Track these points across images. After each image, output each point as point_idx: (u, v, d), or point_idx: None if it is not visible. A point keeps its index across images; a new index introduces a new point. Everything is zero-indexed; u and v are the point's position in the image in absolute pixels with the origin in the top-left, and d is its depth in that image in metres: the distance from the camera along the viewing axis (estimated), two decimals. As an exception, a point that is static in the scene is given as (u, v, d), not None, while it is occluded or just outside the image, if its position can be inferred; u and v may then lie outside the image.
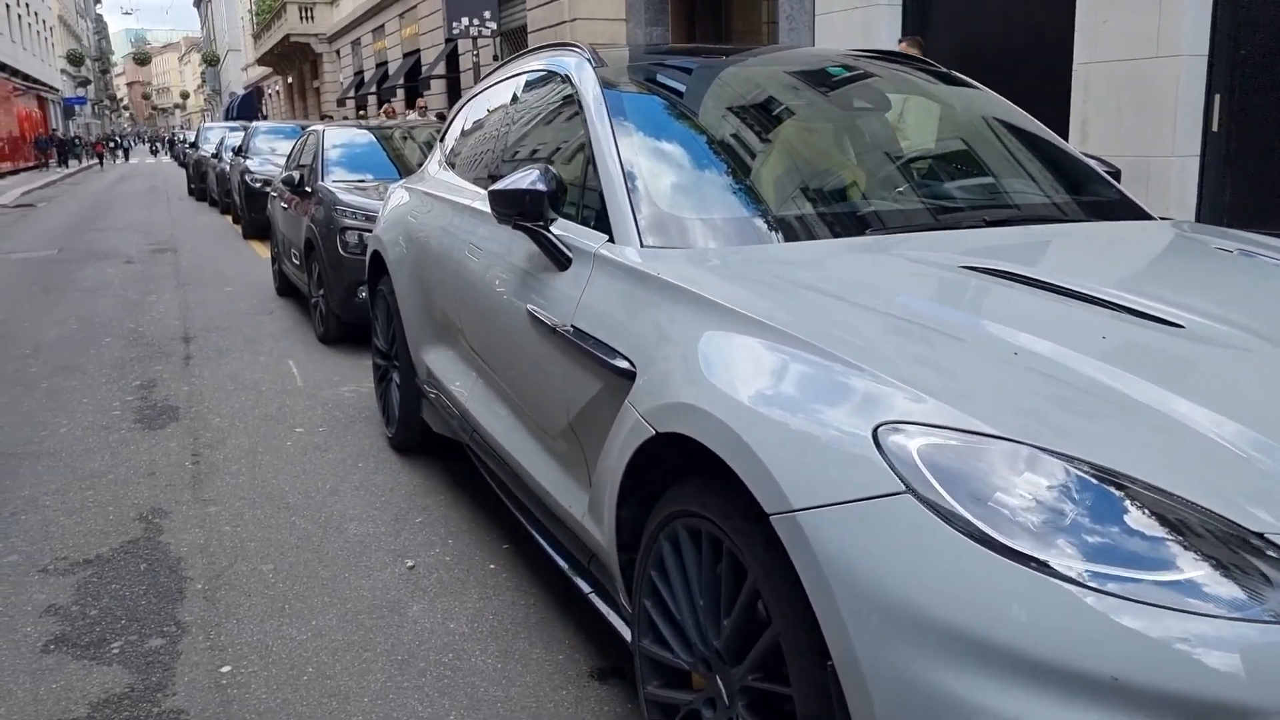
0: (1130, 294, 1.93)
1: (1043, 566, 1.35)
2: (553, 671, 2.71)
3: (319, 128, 8.22)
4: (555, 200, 2.60)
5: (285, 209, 8.01)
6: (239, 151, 14.58)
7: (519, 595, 3.14)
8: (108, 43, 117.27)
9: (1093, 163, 3.12)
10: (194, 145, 23.59)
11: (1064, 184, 2.97)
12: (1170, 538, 1.35)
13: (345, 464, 4.38)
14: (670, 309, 2.12)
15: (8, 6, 43.74)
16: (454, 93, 21.52)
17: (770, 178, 2.73)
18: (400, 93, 24.48)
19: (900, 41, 8.43)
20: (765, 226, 2.49)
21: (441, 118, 16.76)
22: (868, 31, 9.24)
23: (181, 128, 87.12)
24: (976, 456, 1.48)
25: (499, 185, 2.65)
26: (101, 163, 47.74)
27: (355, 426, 4.93)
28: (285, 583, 3.25)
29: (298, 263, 7.59)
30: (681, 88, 3.04)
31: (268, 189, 11.27)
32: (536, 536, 2.86)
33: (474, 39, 14.79)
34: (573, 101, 3.03)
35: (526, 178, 2.60)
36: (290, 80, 46.02)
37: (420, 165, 7.64)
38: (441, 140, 4.50)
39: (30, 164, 42.63)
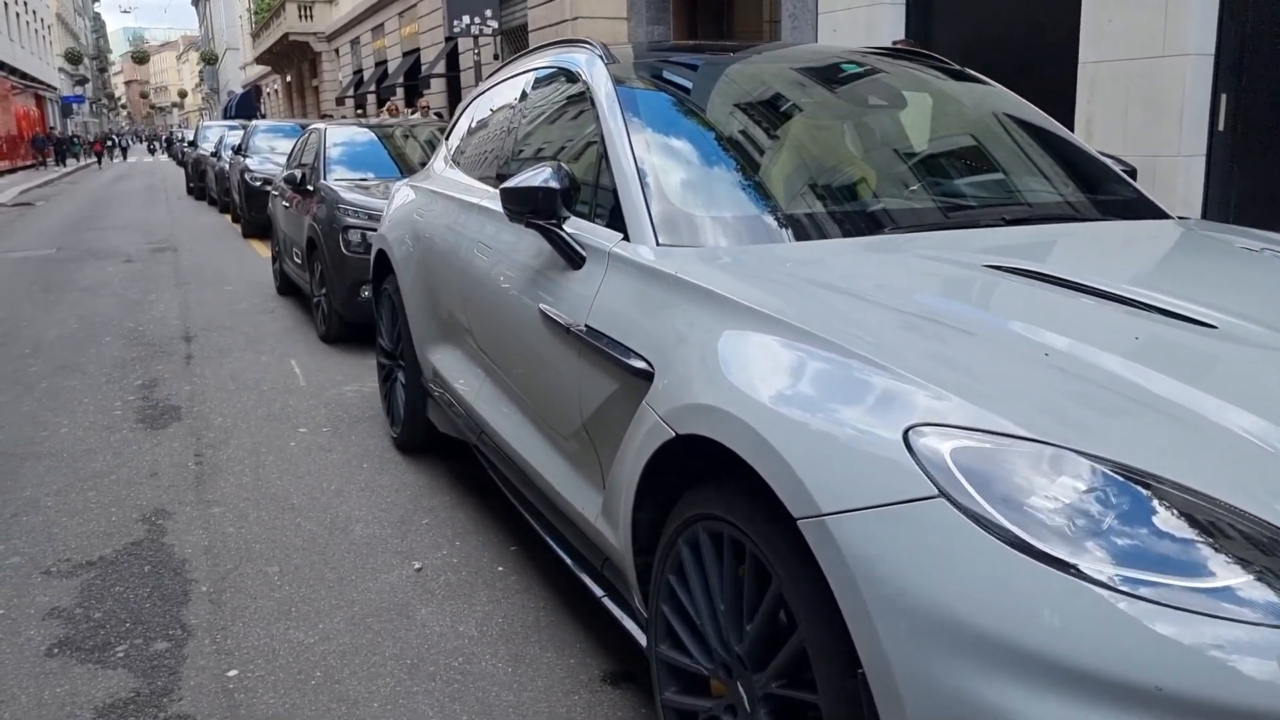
0: (1160, 294, 1.89)
1: (1079, 572, 1.32)
2: (564, 676, 2.67)
3: (321, 126, 8.18)
4: (568, 198, 2.56)
5: (287, 207, 7.97)
6: (238, 150, 14.52)
7: (528, 598, 3.10)
8: (106, 41, 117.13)
9: (1109, 161, 3.08)
10: (193, 144, 23.54)
11: (1082, 182, 2.94)
12: (1205, 541, 1.32)
13: (350, 464, 4.34)
14: (688, 308, 2.08)
15: (5, 5, 43.66)
16: (454, 92, 21.47)
17: (786, 175, 2.69)
18: (400, 91, 24.43)
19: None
20: (782, 225, 2.45)
21: (440, 115, 16.74)
22: (871, 30, 9.20)
23: (179, 126, 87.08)
24: (1009, 459, 1.44)
25: (511, 182, 2.61)
26: (100, 161, 47.65)
27: (359, 426, 4.89)
28: (291, 585, 3.21)
29: (299, 261, 7.55)
30: (694, 85, 3.00)
31: (268, 188, 11.23)
32: (547, 539, 2.82)
33: (475, 37, 14.74)
34: (583, 99, 2.99)
35: (539, 175, 2.56)
36: (289, 79, 45.95)
37: (421, 164, 7.66)
38: (447, 138, 4.46)
39: (28, 163, 42.53)
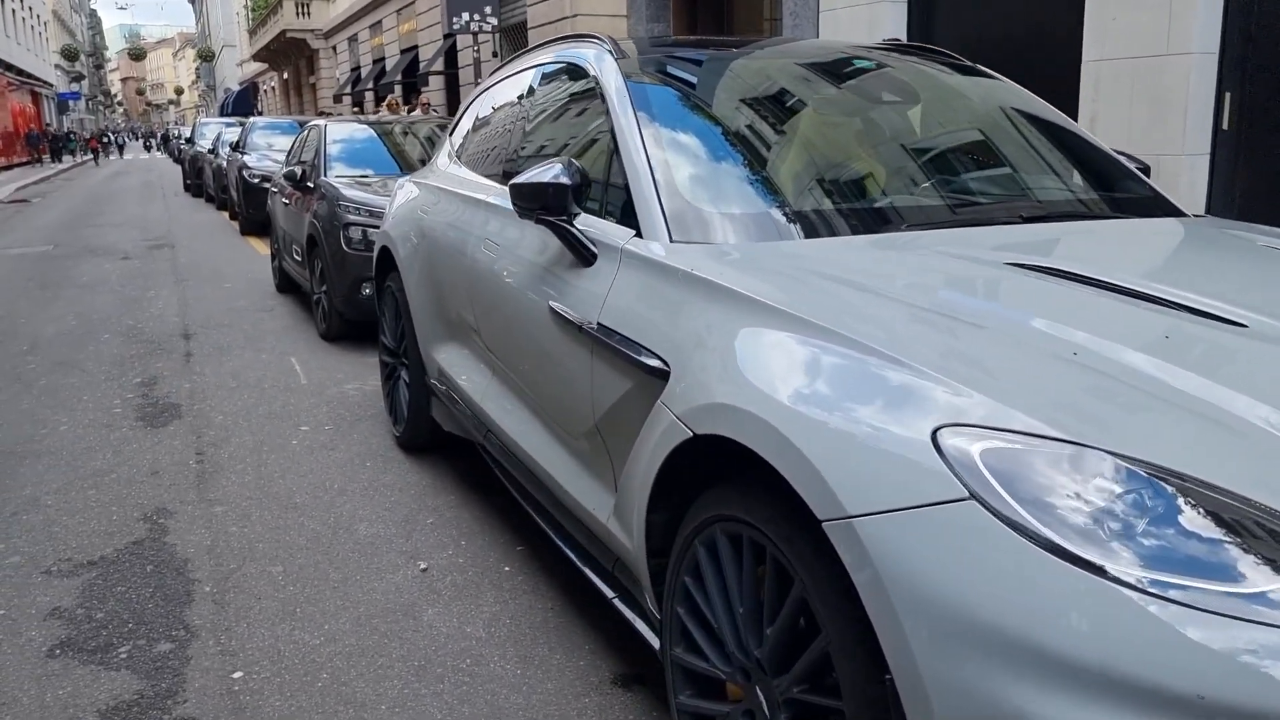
0: (1189, 292, 1.86)
1: (1113, 575, 1.29)
2: (574, 678, 2.64)
3: (320, 123, 8.13)
4: (579, 194, 2.53)
5: (286, 205, 7.92)
6: (236, 147, 14.47)
7: (536, 599, 3.07)
8: (102, 38, 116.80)
9: (1122, 159, 3.05)
10: (190, 141, 23.44)
11: (1097, 179, 2.91)
12: (1237, 542, 1.30)
13: (352, 463, 4.31)
14: (705, 306, 2.05)
15: (2, 1, 43.50)
16: (452, 89, 21.41)
17: (800, 172, 2.66)
18: (398, 89, 24.36)
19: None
20: (798, 221, 2.41)
21: (435, 112, 16.69)
22: (873, 28, 9.17)
23: (176, 124, 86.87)
24: (1039, 460, 1.41)
25: (521, 178, 2.57)
26: (96, 159, 47.53)
27: (361, 425, 4.86)
28: (296, 585, 3.17)
29: (299, 259, 7.51)
30: (704, 80, 2.97)
31: (266, 185, 11.19)
32: (556, 540, 2.79)
33: (474, 34, 14.68)
34: (593, 94, 2.96)
35: (549, 170, 2.52)
36: (286, 76, 45.83)
37: (421, 161, 7.62)
38: (451, 134, 4.42)
39: (24, 160, 42.38)
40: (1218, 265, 2.23)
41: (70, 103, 67.57)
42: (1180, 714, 1.22)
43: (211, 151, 18.48)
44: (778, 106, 2.92)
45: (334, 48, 35.84)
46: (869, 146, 2.81)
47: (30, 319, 7.74)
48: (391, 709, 2.51)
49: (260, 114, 42.16)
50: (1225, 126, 6.75)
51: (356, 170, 7.37)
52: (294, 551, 3.42)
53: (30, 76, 49.89)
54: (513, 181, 2.61)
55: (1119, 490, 1.36)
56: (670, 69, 3.00)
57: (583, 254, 2.53)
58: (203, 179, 19.94)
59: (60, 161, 44.45)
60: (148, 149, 68.29)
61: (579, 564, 2.63)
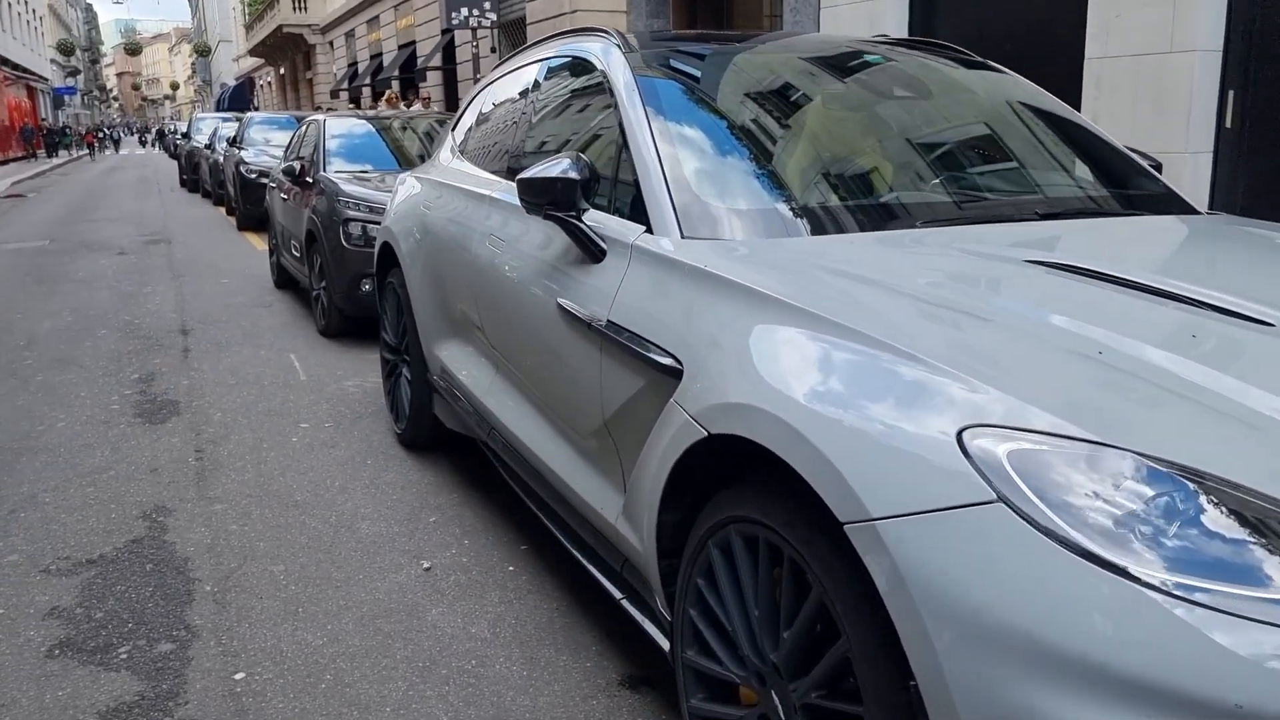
0: (1212, 290, 1.82)
1: (1146, 580, 1.26)
2: (581, 680, 2.61)
3: (319, 118, 8.08)
4: (588, 189, 2.49)
5: (285, 200, 7.87)
6: (233, 142, 14.40)
7: (541, 599, 3.03)
8: (97, 32, 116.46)
9: (1135, 156, 3.02)
10: (186, 136, 23.34)
11: (1111, 176, 2.88)
12: (1266, 544, 1.27)
13: (353, 461, 4.27)
14: (719, 303, 2.01)
15: (-4, -5, 43.36)
16: (450, 85, 21.34)
17: (812, 167, 2.62)
18: (395, 84, 24.28)
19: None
20: (812, 217, 2.38)
21: (433, 105, 16.62)
22: (874, 24, 9.13)
23: (171, 119, 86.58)
24: (1066, 461, 1.38)
25: (528, 173, 2.53)
26: (92, 153, 47.39)
27: (362, 422, 4.82)
28: (298, 585, 3.14)
29: (298, 255, 7.46)
30: (713, 74, 2.93)
31: (263, 180, 11.13)
32: (563, 540, 2.76)
33: (473, 30, 14.62)
34: (600, 88, 2.92)
35: (558, 165, 2.48)
36: (282, 71, 45.67)
37: (420, 156, 7.58)
38: (453, 129, 4.38)
39: (19, 155, 42.22)
40: (1239, 262, 2.20)
41: (66, 97, 67.36)
42: None
43: (208, 147, 18.40)
44: (787, 101, 2.88)
45: (331, 43, 35.74)
46: (880, 142, 2.77)
47: (26, 314, 7.69)
48: (396, 711, 2.47)
49: (257, 109, 42.05)
50: (1228, 124, 6.72)
51: (355, 165, 7.33)
52: (295, 550, 3.39)
53: (26, 71, 49.72)
54: (520, 176, 2.57)
55: (1149, 493, 1.33)
56: (678, 63, 2.96)
57: (591, 250, 2.49)
58: (199, 174, 19.85)
59: (56, 156, 44.30)
60: (143, 144, 68.08)
61: (586, 564, 2.60)
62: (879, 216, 2.43)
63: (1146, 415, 1.45)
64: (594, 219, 2.56)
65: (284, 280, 8.64)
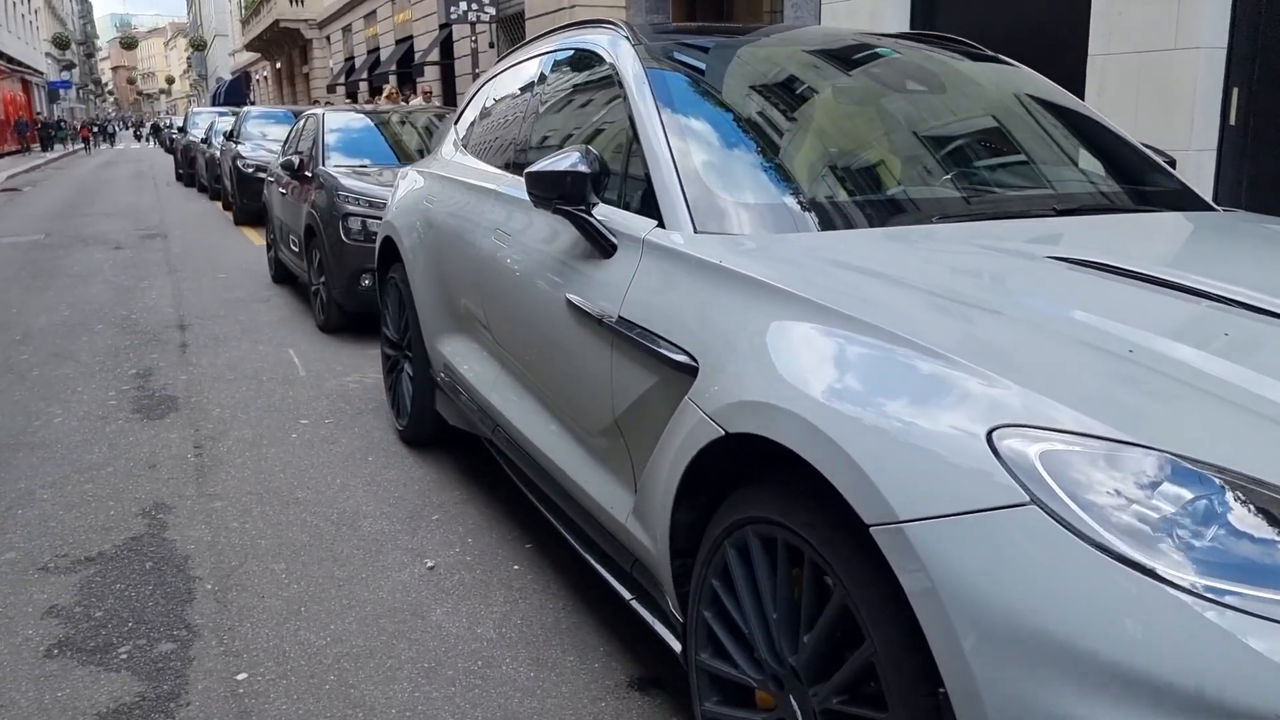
0: (1243, 288, 1.78)
1: (1186, 586, 1.22)
2: (589, 681, 2.57)
3: (318, 112, 8.02)
4: (598, 183, 2.44)
5: (283, 194, 7.82)
6: (230, 136, 14.32)
7: (546, 598, 2.99)
8: (93, 26, 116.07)
9: (1149, 152, 2.99)
10: (182, 130, 23.25)
11: (1125, 172, 2.84)
12: None
13: (354, 458, 4.22)
14: (735, 299, 1.97)
15: (-9, -13, 43.15)
16: (448, 79, 21.27)
17: (828, 160, 2.58)
18: (392, 79, 24.19)
19: None
20: (829, 212, 2.34)
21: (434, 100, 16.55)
22: (875, 20, 9.09)
23: (167, 113, 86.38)
24: (1099, 462, 1.34)
25: (537, 167, 2.49)
26: (87, 148, 47.22)
27: (362, 418, 4.77)
28: (300, 583, 3.09)
29: (296, 249, 7.41)
30: (724, 67, 2.88)
31: (261, 174, 11.07)
32: (571, 540, 2.71)
33: (471, 24, 14.56)
34: (608, 81, 2.88)
35: (567, 159, 2.44)
36: (279, 66, 45.52)
37: (419, 150, 7.53)
38: (456, 123, 4.33)
39: (13, 149, 42.04)
40: (1262, 259, 2.16)
41: (61, 91, 67.09)
42: None
43: (204, 141, 18.32)
44: (799, 95, 2.84)
45: (328, 38, 35.62)
46: (895, 136, 2.73)
47: (22, 309, 7.63)
48: (402, 713, 2.43)
49: (253, 104, 41.92)
50: (1233, 122, 6.69)
51: (354, 160, 7.27)
52: (297, 548, 3.34)
53: (20, 64, 49.51)
54: (529, 170, 2.52)
55: (1182, 494, 1.30)
56: (688, 56, 2.92)
57: (602, 245, 2.45)
58: (195, 169, 19.77)
59: (51, 150, 44.13)
60: (138, 139, 67.87)
61: (595, 565, 2.56)
62: (893, 212, 2.39)
63: (1177, 414, 1.41)
64: (603, 213, 2.52)
65: (282, 275, 8.59)
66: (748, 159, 2.51)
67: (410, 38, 23.83)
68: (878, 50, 3.11)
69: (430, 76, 21.89)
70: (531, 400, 3.01)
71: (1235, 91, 6.64)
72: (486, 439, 3.48)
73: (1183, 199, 2.78)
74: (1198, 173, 6.70)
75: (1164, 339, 1.58)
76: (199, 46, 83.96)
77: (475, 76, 14.62)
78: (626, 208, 2.54)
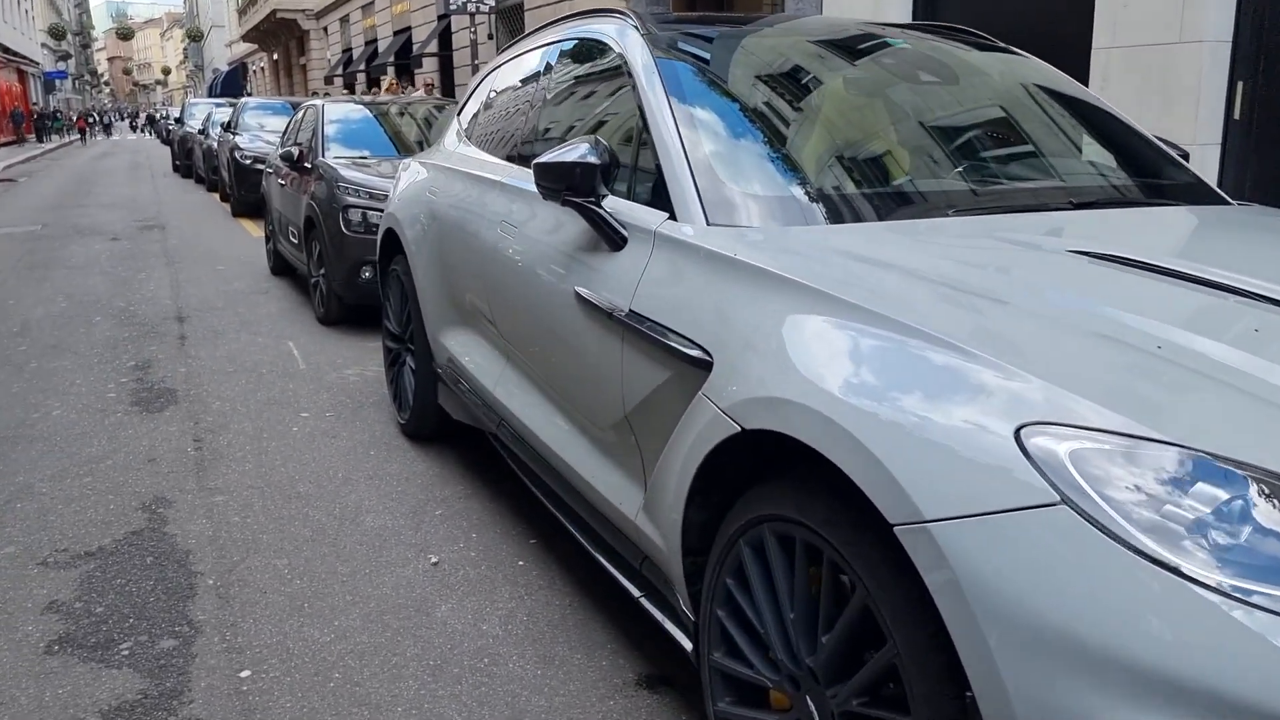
0: (1265, 282, 1.75)
1: (1217, 587, 1.19)
2: (597, 679, 2.54)
3: (318, 103, 7.97)
4: (607, 174, 2.40)
5: (283, 186, 7.77)
6: (228, 128, 14.25)
7: (553, 595, 2.96)
8: (89, 17, 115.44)
9: (1163, 145, 2.95)
10: (179, 121, 23.14)
11: (1140, 165, 2.81)
12: None
13: (356, 451, 4.19)
14: (750, 292, 1.93)
15: (-13, -23, 42.93)
16: (446, 71, 21.18)
17: (842, 152, 2.54)
18: (390, 70, 24.10)
19: None
20: (844, 204, 2.30)
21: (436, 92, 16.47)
22: (876, 13, 9.05)
23: (163, 104, 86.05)
24: (1129, 461, 1.31)
25: (546, 157, 2.45)
26: (83, 138, 47.07)
27: (363, 412, 4.73)
28: (303, 579, 3.06)
29: (296, 241, 7.36)
30: (735, 57, 2.84)
31: (258, 166, 11.02)
32: (579, 537, 2.68)
33: (471, 15, 14.48)
34: (616, 71, 2.84)
35: (576, 150, 2.40)
36: (276, 57, 45.33)
37: (418, 142, 7.48)
38: (459, 114, 4.29)
39: (9, 139, 41.86)
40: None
41: (57, 82, 66.87)
42: None
43: (201, 132, 18.24)
44: (811, 85, 2.80)
45: (325, 29, 35.48)
46: (908, 128, 2.69)
47: (19, 300, 7.58)
48: (408, 711, 2.40)
49: (250, 95, 41.74)
50: (1237, 116, 6.66)
51: (354, 151, 7.22)
52: (299, 543, 3.31)
53: (16, 55, 49.29)
54: (537, 161, 2.48)
55: (1213, 492, 1.27)
56: (697, 47, 2.87)
57: (612, 237, 2.41)
58: (192, 160, 19.69)
59: (46, 141, 43.97)
60: (134, 129, 67.64)
61: (604, 562, 2.53)
62: (912, 205, 2.35)
63: (1204, 411, 1.38)
64: (612, 205, 2.48)
65: (281, 267, 8.54)
66: (760, 151, 2.47)
67: (409, 29, 23.74)
68: (887, 41, 3.08)
69: (429, 68, 21.81)
70: (537, 395, 2.97)
71: (1240, 86, 6.60)
72: (491, 434, 3.45)
73: (1198, 193, 2.75)
74: (1202, 167, 6.65)
75: (1191, 334, 1.54)
76: (195, 37, 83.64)
77: (474, 69, 14.56)
78: (634, 199, 2.51)
